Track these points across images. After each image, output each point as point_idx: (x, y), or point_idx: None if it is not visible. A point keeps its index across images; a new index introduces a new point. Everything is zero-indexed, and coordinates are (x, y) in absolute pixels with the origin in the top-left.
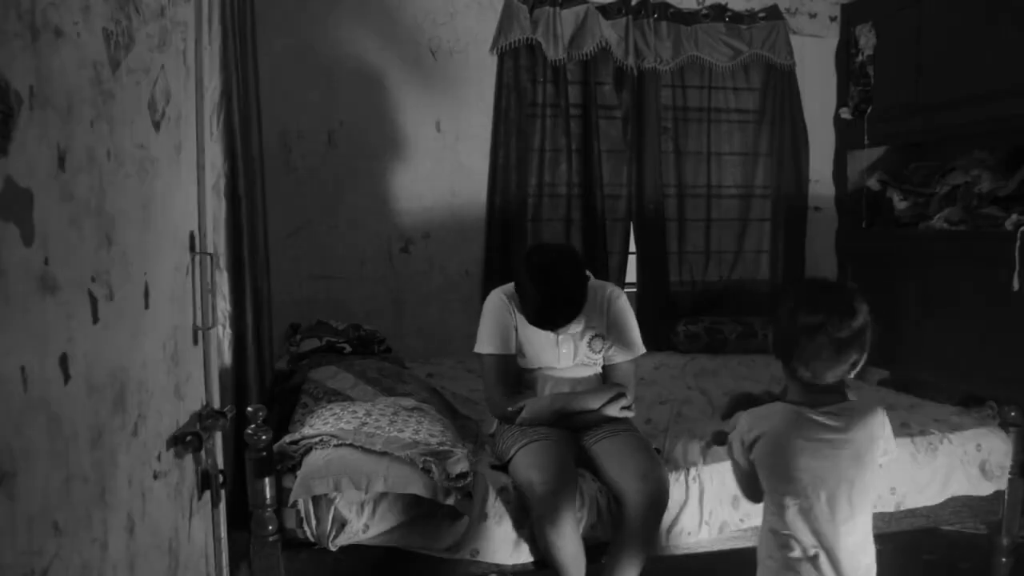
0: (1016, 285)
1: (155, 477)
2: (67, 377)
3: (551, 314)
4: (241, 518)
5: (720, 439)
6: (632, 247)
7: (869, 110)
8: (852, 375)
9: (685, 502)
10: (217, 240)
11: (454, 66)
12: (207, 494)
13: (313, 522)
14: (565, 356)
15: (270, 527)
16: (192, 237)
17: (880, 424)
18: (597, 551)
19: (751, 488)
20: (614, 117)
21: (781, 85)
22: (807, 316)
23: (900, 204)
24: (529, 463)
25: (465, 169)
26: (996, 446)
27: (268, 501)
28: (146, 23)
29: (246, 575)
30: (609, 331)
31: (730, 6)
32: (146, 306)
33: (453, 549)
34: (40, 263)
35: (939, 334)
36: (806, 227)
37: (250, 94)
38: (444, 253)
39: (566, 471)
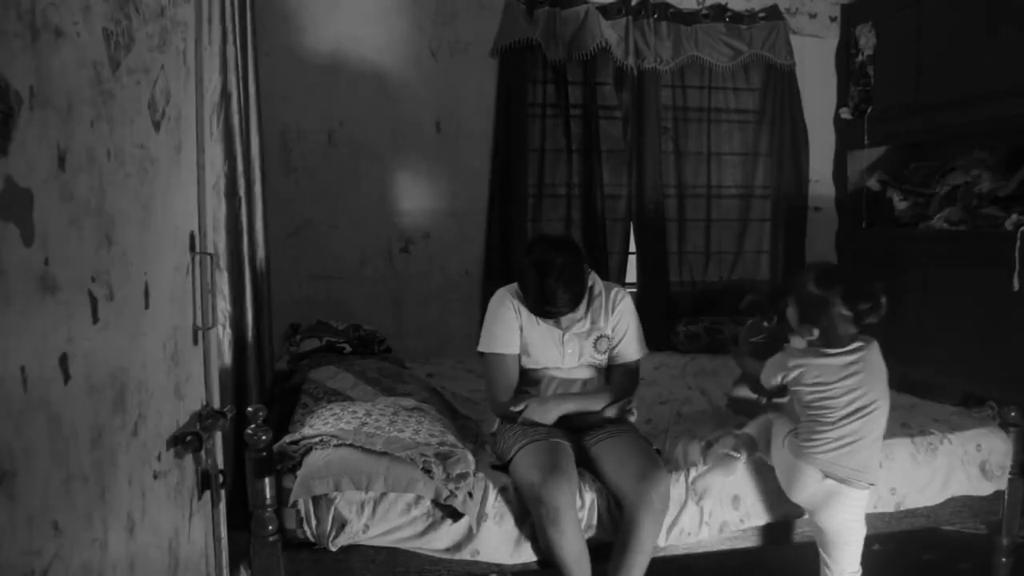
0: (1016, 285)
1: (155, 477)
2: (67, 377)
3: (551, 301)
4: (241, 518)
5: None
6: (632, 247)
7: (869, 110)
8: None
9: (685, 502)
10: (217, 240)
11: (454, 66)
12: (207, 494)
13: (313, 522)
14: (570, 356)
15: (270, 527)
16: (192, 237)
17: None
18: (597, 552)
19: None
20: (614, 117)
21: (781, 85)
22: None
23: (900, 204)
24: (530, 463)
25: (465, 169)
26: (996, 446)
27: (268, 501)
28: (146, 23)
29: (246, 575)
30: (614, 332)
31: (730, 6)
32: (146, 306)
33: (453, 549)
34: (40, 263)
35: (939, 334)
36: (806, 227)
37: (250, 94)
38: (444, 253)
39: (567, 471)
